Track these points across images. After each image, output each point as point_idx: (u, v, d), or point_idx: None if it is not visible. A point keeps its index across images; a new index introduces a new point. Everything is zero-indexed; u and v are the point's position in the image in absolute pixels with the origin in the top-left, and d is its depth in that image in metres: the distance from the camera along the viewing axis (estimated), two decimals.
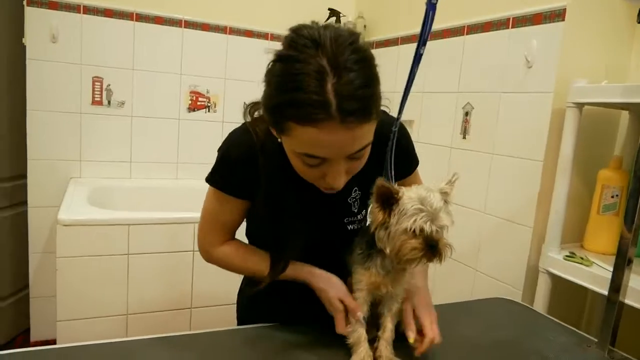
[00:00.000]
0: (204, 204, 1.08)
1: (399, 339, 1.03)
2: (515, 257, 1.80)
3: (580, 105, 1.56)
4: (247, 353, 1.03)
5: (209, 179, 1.03)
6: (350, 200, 1.08)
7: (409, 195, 0.89)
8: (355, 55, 0.79)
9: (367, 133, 0.84)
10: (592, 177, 1.70)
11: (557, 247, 1.62)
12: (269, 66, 0.84)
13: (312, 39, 0.79)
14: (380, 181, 0.89)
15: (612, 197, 1.62)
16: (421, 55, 0.96)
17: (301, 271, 1.05)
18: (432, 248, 0.87)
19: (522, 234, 1.79)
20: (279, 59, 0.82)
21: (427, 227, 0.86)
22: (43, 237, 2.40)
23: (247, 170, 0.99)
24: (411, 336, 0.99)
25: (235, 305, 1.27)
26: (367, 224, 1.03)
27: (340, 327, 1.00)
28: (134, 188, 2.51)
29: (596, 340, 1.19)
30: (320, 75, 0.77)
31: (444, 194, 0.91)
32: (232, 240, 1.12)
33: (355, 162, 0.88)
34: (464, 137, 2.09)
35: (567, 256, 1.58)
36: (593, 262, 1.52)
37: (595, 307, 1.80)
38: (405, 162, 1.12)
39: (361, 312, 0.98)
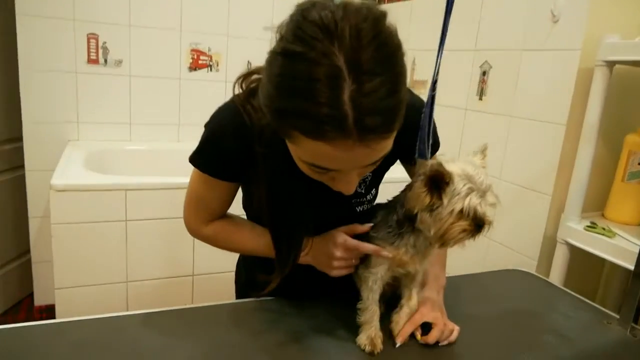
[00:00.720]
0: (189, 183, 0.97)
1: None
2: (532, 226, 1.71)
3: (610, 64, 1.43)
4: (244, 329, 0.96)
5: (193, 160, 0.92)
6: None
7: (456, 172, 0.81)
8: (381, 52, 0.63)
9: (387, 145, 0.71)
10: (618, 142, 1.58)
11: (577, 217, 1.52)
12: (269, 57, 0.68)
13: (324, 27, 0.62)
14: (435, 165, 0.80)
15: (639, 164, 1.51)
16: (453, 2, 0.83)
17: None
18: (479, 228, 0.81)
19: (539, 202, 1.69)
20: (282, 52, 0.65)
21: (480, 208, 0.80)
22: (42, 202, 2.34)
23: (238, 153, 0.88)
24: (418, 337, 0.96)
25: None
26: (395, 201, 0.94)
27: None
28: (133, 151, 2.43)
29: (617, 316, 1.11)
30: (334, 81, 0.61)
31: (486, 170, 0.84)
32: (222, 219, 1.02)
33: (370, 167, 0.77)
34: (480, 99, 1.97)
35: (588, 226, 1.48)
36: (616, 234, 1.43)
37: (613, 280, 1.72)
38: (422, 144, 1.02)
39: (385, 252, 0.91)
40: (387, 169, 1.03)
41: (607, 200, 1.61)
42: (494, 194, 0.83)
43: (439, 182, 0.81)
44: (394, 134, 0.70)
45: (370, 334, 0.92)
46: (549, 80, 1.66)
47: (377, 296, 0.94)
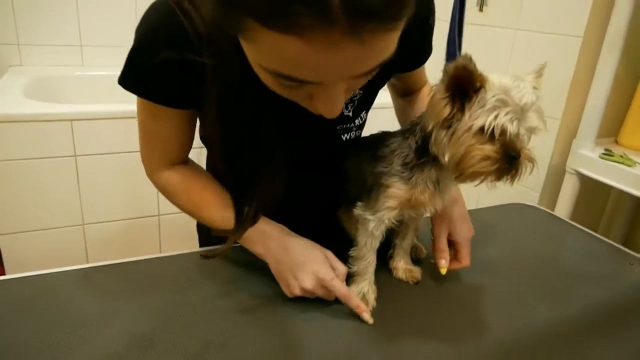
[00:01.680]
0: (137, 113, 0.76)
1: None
2: (536, 154, 1.53)
3: None
4: (206, 285, 0.80)
5: (122, 81, 0.69)
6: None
7: (490, 82, 0.62)
8: None
9: (390, 43, 0.49)
10: (638, 59, 1.37)
11: (591, 144, 1.35)
12: None
13: None
14: (463, 61, 0.60)
15: None
16: None
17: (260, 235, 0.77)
18: (510, 160, 0.62)
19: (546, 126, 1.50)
20: None
21: (512, 127, 0.60)
22: None
23: (176, 67, 0.65)
24: (443, 267, 0.82)
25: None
26: (415, 124, 0.74)
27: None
28: (85, 77, 2.13)
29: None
30: None
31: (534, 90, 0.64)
32: (182, 166, 0.81)
33: (363, 79, 0.53)
34: (481, 10, 1.72)
35: (603, 154, 1.31)
36: (636, 162, 1.26)
37: (619, 212, 1.58)
38: (419, 50, 0.84)
39: (367, 313, 0.73)
40: (383, 84, 0.81)
41: (623, 125, 1.43)
42: (541, 116, 0.63)
43: (465, 85, 0.61)
44: (401, 26, 0.47)
45: (362, 289, 0.76)
46: None
47: (377, 244, 0.77)
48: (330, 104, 0.56)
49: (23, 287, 0.75)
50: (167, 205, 1.78)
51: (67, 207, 1.65)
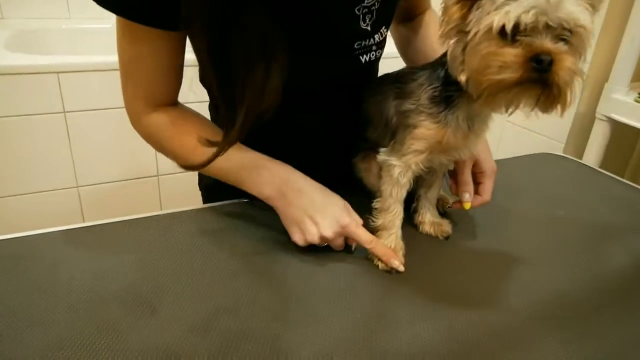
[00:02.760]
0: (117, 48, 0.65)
1: None
2: None
3: None
4: (217, 240, 0.71)
5: None
6: (360, 10, 0.66)
7: None
8: None
9: None
10: None
11: (625, 87, 1.24)
12: None
13: None
14: None
15: None
16: None
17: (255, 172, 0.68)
18: (539, 64, 0.48)
19: None
20: None
21: (527, 17, 0.47)
22: None
23: None
24: (467, 200, 0.74)
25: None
26: (444, 54, 0.62)
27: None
28: (73, 31, 1.99)
29: None
30: None
31: None
32: (172, 108, 0.71)
33: None
34: None
35: (639, 98, 1.20)
36: None
37: None
38: None
39: (396, 260, 0.65)
40: None
41: None
42: (580, 6, 0.49)
43: None
44: None
45: (389, 244, 0.68)
46: None
47: (404, 193, 0.68)
48: None
49: (8, 249, 0.66)
50: (167, 165, 1.68)
51: (58, 169, 1.55)
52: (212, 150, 0.63)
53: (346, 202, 0.68)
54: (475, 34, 0.51)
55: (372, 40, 0.70)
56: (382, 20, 0.70)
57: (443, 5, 0.54)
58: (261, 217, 0.74)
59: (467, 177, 0.73)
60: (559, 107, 0.52)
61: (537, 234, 0.79)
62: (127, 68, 0.66)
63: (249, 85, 0.57)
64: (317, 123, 0.75)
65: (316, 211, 0.65)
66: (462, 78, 0.55)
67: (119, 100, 0.70)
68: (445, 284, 0.64)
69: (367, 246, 0.65)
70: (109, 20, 0.61)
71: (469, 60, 0.53)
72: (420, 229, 0.76)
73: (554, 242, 0.77)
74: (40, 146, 1.50)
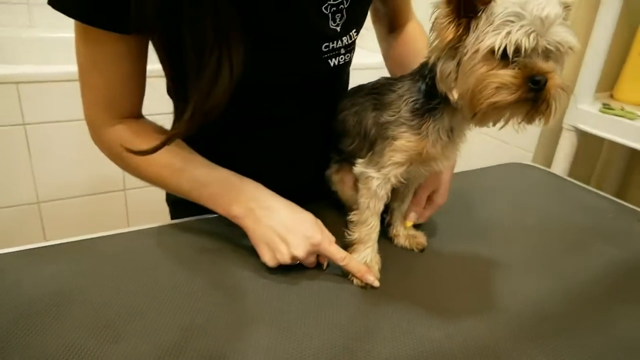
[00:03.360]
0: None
1: None
2: None
3: None
4: (184, 257, 0.68)
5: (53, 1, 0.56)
6: (327, 9, 0.65)
7: None
8: None
9: None
10: (635, 9, 1.29)
11: (590, 98, 1.27)
12: None
13: None
14: None
15: None
16: None
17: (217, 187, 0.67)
18: (535, 88, 0.50)
19: None
20: None
21: (528, 42, 0.49)
22: None
23: None
24: (413, 219, 0.75)
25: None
26: (424, 64, 0.62)
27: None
28: (35, 40, 1.92)
29: None
30: None
31: (564, 5, 0.53)
32: (134, 120, 0.68)
33: None
34: None
35: (603, 108, 1.23)
36: (638, 115, 1.19)
37: (611, 165, 1.52)
38: None
39: (371, 275, 0.64)
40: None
41: (619, 79, 1.35)
42: (570, 31, 0.52)
43: (471, 2, 0.50)
44: None
45: (365, 258, 0.66)
46: None
47: (381, 206, 0.67)
48: None
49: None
50: (134, 178, 1.64)
51: (17, 183, 1.48)
52: (175, 169, 0.63)
53: (317, 219, 0.66)
54: (474, 52, 0.51)
55: (340, 42, 0.69)
56: (352, 22, 0.69)
57: (435, 23, 0.54)
58: (230, 234, 0.71)
59: (423, 200, 0.76)
60: (544, 118, 0.54)
61: (511, 245, 0.79)
62: (86, 74, 0.63)
63: (200, 78, 0.55)
64: (284, 130, 0.73)
65: (286, 230, 0.63)
66: (454, 95, 0.55)
67: (82, 111, 0.66)
68: (422, 298, 0.63)
69: (340, 263, 0.64)
70: (72, 29, 0.59)
71: (464, 79, 0.53)
72: (395, 242, 0.75)
73: (527, 252, 0.77)
74: None
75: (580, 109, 1.26)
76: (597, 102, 1.29)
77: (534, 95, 0.51)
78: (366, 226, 0.66)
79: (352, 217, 0.67)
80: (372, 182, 0.65)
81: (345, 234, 0.67)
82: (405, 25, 0.86)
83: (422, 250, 0.74)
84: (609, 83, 1.40)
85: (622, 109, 1.22)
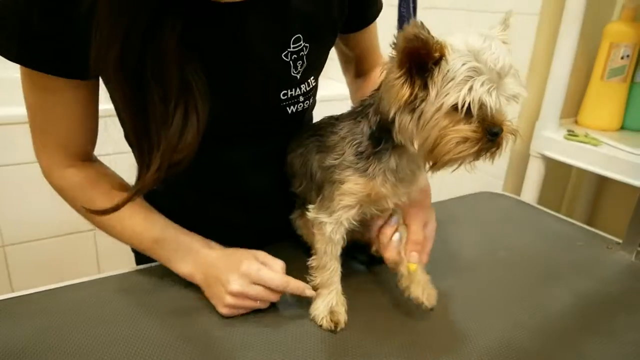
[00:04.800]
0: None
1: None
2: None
3: None
4: (143, 306, 0.66)
5: None
6: (287, 56, 0.65)
7: (453, 46, 0.51)
8: None
9: None
10: (593, 35, 1.34)
11: (555, 125, 1.29)
12: None
13: None
14: (413, 30, 0.50)
15: (622, 58, 1.28)
16: None
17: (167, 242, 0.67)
18: (493, 137, 0.53)
19: (506, 110, 1.44)
20: None
21: (492, 100, 0.51)
22: None
23: (58, 17, 0.52)
24: (416, 261, 0.68)
25: None
26: (366, 106, 0.63)
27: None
28: (4, 80, 1.89)
29: (618, 240, 0.93)
30: None
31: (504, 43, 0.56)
32: (88, 164, 0.68)
33: None
34: None
35: (568, 135, 1.26)
36: (602, 141, 1.22)
37: (580, 192, 1.55)
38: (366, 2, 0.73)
39: (309, 290, 0.65)
40: (330, 41, 0.72)
41: (582, 104, 1.39)
42: (519, 80, 0.53)
43: (422, 57, 0.51)
44: None
45: (329, 302, 0.64)
46: None
47: (338, 249, 0.66)
48: None
49: None
50: None
51: None
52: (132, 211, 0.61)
53: (260, 253, 0.66)
54: (438, 108, 0.52)
55: (299, 89, 0.69)
56: (312, 68, 0.69)
57: (387, 82, 0.55)
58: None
59: (420, 236, 0.69)
60: (491, 158, 0.56)
61: (480, 280, 0.79)
62: (34, 116, 0.62)
63: (166, 128, 0.54)
64: (249, 176, 0.72)
65: (222, 273, 0.63)
66: (415, 146, 0.56)
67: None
68: (388, 339, 0.62)
69: (280, 289, 0.63)
70: None
71: (424, 133, 0.54)
72: (407, 294, 0.67)
73: (496, 287, 0.77)
74: None
75: (545, 135, 1.29)
76: (562, 128, 1.32)
77: (491, 144, 0.53)
78: (326, 270, 0.65)
79: (312, 262, 0.66)
80: (325, 227, 0.64)
81: (308, 278, 0.66)
82: (372, 71, 0.86)
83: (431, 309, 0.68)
84: (573, 108, 1.43)
85: (586, 135, 1.25)
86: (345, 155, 0.62)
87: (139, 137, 0.57)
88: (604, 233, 0.97)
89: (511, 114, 1.40)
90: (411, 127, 0.55)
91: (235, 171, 0.68)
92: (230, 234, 0.67)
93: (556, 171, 1.40)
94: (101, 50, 0.51)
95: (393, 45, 0.52)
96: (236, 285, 0.61)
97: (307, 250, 0.71)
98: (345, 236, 0.66)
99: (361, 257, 0.79)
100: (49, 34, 0.53)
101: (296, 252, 0.69)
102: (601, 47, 1.31)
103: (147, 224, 0.67)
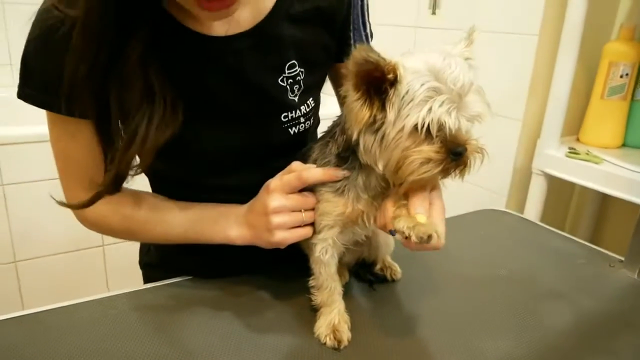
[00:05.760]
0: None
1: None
2: (499, 157, 1.49)
3: None
4: (150, 325, 0.68)
5: (20, 94, 0.62)
6: (284, 81, 0.69)
7: (412, 66, 0.52)
8: None
9: None
10: (594, 53, 1.36)
11: (556, 143, 1.31)
12: None
13: None
14: (361, 53, 0.51)
15: (621, 76, 1.31)
16: None
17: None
18: (456, 157, 0.53)
19: (508, 128, 1.46)
20: None
21: (451, 121, 0.51)
22: None
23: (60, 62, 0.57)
24: (421, 212, 0.59)
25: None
26: (335, 126, 0.65)
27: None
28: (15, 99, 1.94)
29: (621, 258, 0.93)
30: None
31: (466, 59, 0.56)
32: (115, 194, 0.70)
33: None
34: (434, 13, 1.68)
35: (569, 153, 1.28)
36: (603, 159, 1.23)
37: (583, 209, 1.56)
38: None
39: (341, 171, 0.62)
40: (324, 65, 0.75)
41: (583, 122, 1.41)
42: (483, 97, 0.54)
43: (377, 80, 0.52)
44: None
45: (331, 321, 0.66)
46: None
47: (332, 269, 0.67)
48: None
49: None
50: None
51: None
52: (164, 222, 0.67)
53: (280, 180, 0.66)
54: (400, 130, 0.53)
55: (298, 111, 0.72)
56: (309, 91, 0.72)
57: (347, 105, 0.56)
58: (206, 295, 0.72)
59: (425, 196, 0.59)
60: (460, 176, 0.56)
61: (481, 298, 0.80)
62: (59, 155, 0.67)
63: (128, 132, 0.59)
64: (253, 197, 0.75)
65: (258, 204, 0.65)
66: (379, 167, 0.56)
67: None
68: (390, 358, 0.63)
69: (312, 180, 0.63)
70: None
71: (388, 153, 0.55)
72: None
73: (497, 305, 0.78)
74: None
75: (546, 153, 1.30)
76: (563, 146, 1.33)
77: (456, 163, 0.54)
78: (325, 290, 0.66)
79: (311, 282, 0.68)
80: (315, 247, 0.65)
81: (311, 297, 0.68)
82: None
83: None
84: (575, 126, 1.45)
85: (588, 153, 1.27)
86: None
87: (103, 142, 0.63)
88: (607, 251, 0.97)
89: (513, 131, 1.43)
90: (374, 148, 0.55)
91: (244, 193, 0.70)
92: (237, 252, 0.69)
93: (559, 188, 1.41)
94: (72, 68, 0.56)
95: (346, 71, 0.53)
96: (274, 202, 0.62)
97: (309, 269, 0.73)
98: (344, 255, 0.67)
99: (366, 275, 0.81)
100: (57, 76, 0.57)
101: (299, 272, 0.71)
102: (600, 65, 1.33)
103: (183, 212, 0.70)
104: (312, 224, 0.65)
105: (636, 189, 1.12)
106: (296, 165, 0.65)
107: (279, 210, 0.63)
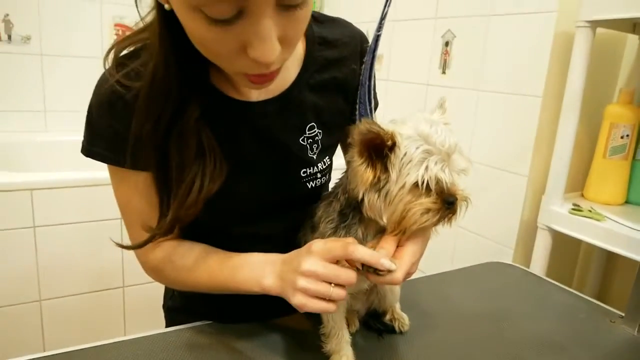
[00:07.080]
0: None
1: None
2: (507, 211, 1.55)
3: (594, 25, 1.26)
4: None
5: (84, 150, 0.71)
6: (304, 140, 0.77)
7: (406, 133, 0.62)
8: None
9: None
10: (596, 114, 1.44)
11: (560, 199, 1.36)
12: None
13: None
14: (365, 125, 0.61)
15: (622, 137, 1.37)
16: None
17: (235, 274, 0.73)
18: (450, 205, 0.63)
19: (515, 184, 1.52)
20: None
21: (446, 176, 0.61)
22: None
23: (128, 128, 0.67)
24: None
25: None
26: (336, 187, 0.73)
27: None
28: (49, 143, 2.07)
29: (621, 314, 0.96)
30: None
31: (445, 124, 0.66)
32: (171, 240, 0.77)
33: (290, 15, 0.53)
34: (444, 72, 1.78)
35: (572, 209, 1.33)
36: (605, 216, 1.28)
37: (590, 266, 1.59)
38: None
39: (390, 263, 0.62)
40: (341, 127, 0.82)
41: (587, 180, 1.46)
42: (464, 155, 0.64)
43: (378, 147, 0.62)
44: None
45: None
46: (521, 47, 1.49)
47: (340, 317, 0.72)
48: (263, 44, 0.53)
49: None
50: (132, 276, 1.70)
51: (22, 282, 1.54)
52: (209, 270, 0.73)
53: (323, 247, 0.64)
54: (401, 187, 0.61)
55: (316, 167, 0.79)
56: (325, 150, 0.81)
57: (352, 169, 0.64)
58: (227, 339, 0.76)
59: (388, 243, 0.65)
60: (449, 223, 0.64)
61: (484, 349, 0.82)
62: (121, 204, 0.74)
63: (178, 188, 0.67)
64: (271, 247, 0.77)
65: (295, 260, 0.64)
66: (384, 219, 0.64)
67: (89, 214, 0.76)
68: None
69: (354, 257, 0.60)
70: (80, 135, 0.71)
71: (391, 208, 0.63)
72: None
73: (501, 357, 0.80)
74: (5, 261, 1.50)
75: (551, 209, 1.36)
76: (567, 202, 1.39)
77: (449, 211, 0.63)
78: (334, 337, 0.71)
79: (321, 329, 0.73)
80: None
81: (322, 344, 0.73)
82: None
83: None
84: (579, 182, 1.51)
85: (591, 210, 1.32)
86: (319, 231, 0.71)
87: (160, 191, 0.70)
88: (609, 307, 1.00)
89: (520, 186, 1.49)
90: (379, 204, 0.63)
91: (266, 242, 0.76)
92: (255, 300, 0.75)
93: (565, 243, 1.45)
94: (138, 127, 0.65)
95: (352, 140, 0.62)
96: (307, 264, 0.61)
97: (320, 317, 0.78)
98: (354, 303, 0.73)
99: (375, 324, 0.84)
100: (118, 138, 0.67)
101: (312, 322, 0.76)
102: (602, 126, 1.40)
103: (223, 261, 0.74)
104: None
105: (636, 246, 1.16)
106: (348, 238, 0.65)
107: (309, 274, 0.61)
